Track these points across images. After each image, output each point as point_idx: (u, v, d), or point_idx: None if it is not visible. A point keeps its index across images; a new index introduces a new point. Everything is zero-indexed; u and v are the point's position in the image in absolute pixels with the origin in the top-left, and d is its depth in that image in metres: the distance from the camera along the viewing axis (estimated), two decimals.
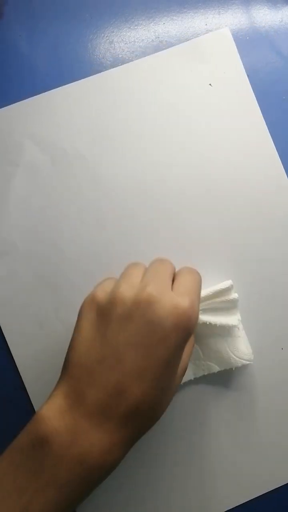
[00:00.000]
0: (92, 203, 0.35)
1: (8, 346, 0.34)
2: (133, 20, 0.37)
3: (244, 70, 0.36)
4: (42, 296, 0.34)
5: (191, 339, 0.29)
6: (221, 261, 0.35)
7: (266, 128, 0.35)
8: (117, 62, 0.36)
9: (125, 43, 0.36)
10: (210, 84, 0.35)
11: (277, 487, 0.34)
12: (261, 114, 0.35)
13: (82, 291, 0.32)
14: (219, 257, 0.35)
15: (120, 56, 0.36)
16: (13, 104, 0.35)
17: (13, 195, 0.35)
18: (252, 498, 0.34)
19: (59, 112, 0.35)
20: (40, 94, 0.35)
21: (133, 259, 0.34)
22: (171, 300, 0.24)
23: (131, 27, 0.37)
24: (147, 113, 0.35)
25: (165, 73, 0.36)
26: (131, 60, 0.36)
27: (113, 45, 0.36)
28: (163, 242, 0.35)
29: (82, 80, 0.36)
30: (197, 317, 0.25)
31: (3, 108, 0.35)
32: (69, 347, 0.25)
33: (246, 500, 0.34)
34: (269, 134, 0.35)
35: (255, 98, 0.36)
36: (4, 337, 0.34)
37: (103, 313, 0.24)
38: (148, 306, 0.23)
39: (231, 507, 0.34)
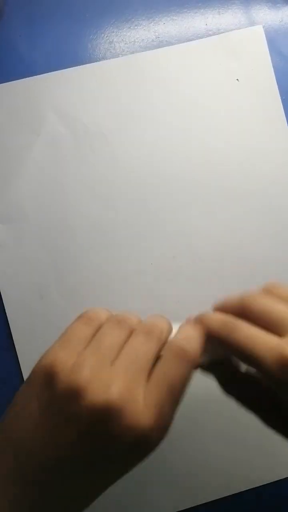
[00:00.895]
0: (106, 182, 0.35)
1: (6, 315, 0.34)
2: (133, 20, 0.37)
3: (272, 69, 0.36)
4: (45, 267, 0.34)
5: None
6: (226, 256, 0.35)
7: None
8: None
9: (125, 43, 0.37)
10: (237, 79, 0.36)
11: (273, 481, 0.34)
12: (284, 112, 0.36)
13: (85, 268, 0.34)
14: (224, 252, 0.35)
15: (120, 56, 0.36)
16: (41, 75, 0.35)
17: (30, 163, 0.35)
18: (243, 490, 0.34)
19: (86, 88, 0.35)
20: (69, 68, 0.35)
21: (137, 243, 0.35)
22: (132, 415, 0.20)
23: (131, 27, 0.37)
24: (172, 101, 0.36)
25: (194, 64, 0.36)
26: None
27: (113, 45, 0.37)
28: (168, 235, 0.35)
29: (113, 59, 0.36)
30: (164, 434, 0.21)
31: (30, 78, 0.35)
32: (8, 418, 0.22)
33: (236, 492, 0.34)
34: None
35: (279, 96, 0.36)
36: (3, 305, 0.34)
37: (56, 402, 0.21)
38: (103, 418, 0.20)
39: (218, 498, 0.34)
